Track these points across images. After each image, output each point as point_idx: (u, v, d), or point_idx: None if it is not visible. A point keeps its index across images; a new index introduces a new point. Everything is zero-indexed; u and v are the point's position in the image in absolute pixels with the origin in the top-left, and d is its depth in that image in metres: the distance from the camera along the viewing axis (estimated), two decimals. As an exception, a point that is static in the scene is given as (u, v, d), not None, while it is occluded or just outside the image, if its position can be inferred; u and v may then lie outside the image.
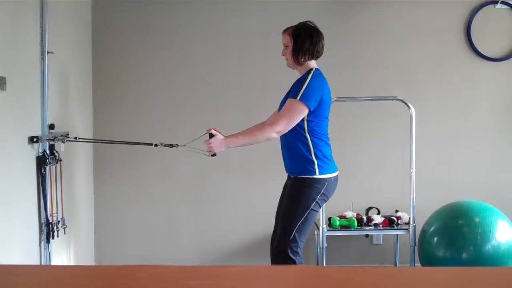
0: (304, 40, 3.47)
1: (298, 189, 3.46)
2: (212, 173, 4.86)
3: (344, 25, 4.83)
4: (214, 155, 3.50)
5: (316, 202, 3.45)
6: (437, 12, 4.83)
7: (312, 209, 3.45)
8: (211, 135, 3.44)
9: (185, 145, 3.60)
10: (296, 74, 3.58)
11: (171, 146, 3.66)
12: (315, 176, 3.43)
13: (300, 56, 3.48)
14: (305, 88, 3.39)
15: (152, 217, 4.88)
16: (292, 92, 3.44)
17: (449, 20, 4.85)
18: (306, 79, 3.43)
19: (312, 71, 3.47)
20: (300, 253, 3.47)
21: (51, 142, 3.70)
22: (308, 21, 3.54)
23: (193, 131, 4.60)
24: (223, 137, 3.45)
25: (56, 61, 3.87)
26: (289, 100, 3.42)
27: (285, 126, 3.39)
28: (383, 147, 4.86)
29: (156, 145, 3.68)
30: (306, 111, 3.39)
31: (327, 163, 3.47)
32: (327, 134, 3.53)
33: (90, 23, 4.77)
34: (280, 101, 3.59)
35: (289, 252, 3.43)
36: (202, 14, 4.82)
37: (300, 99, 3.37)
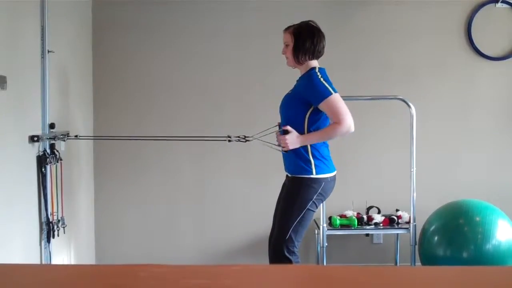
0: (305, 40, 3.46)
1: (295, 188, 3.46)
2: (212, 173, 4.86)
3: (344, 24, 4.83)
4: (287, 151, 3.46)
5: (313, 202, 3.44)
6: (437, 11, 4.83)
7: (308, 209, 3.44)
8: (286, 131, 3.43)
9: (258, 138, 3.57)
10: (297, 73, 3.57)
11: (245, 140, 3.66)
12: (312, 176, 3.43)
13: (300, 56, 3.47)
14: (326, 82, 3.40)
15: (152, 216, 4.88)
16: (316, 94, 3.39)
17: (450, 19, 4.85)
18: (316, 76, 3.42)
19: (317, 68, 3.48)
20: (296, 252, 3.47)
21: (52, 141, 3.70)
22: (310, 21, 3.54)
23: (194, 129, 4.64)
24: (298, 134, 3.43)
25: (57, 60, 3.87)
26: (326, 99, 3.36)
27: (349, 118, 3.38)
28: (383, 146, 4.86)
29: (229, 141, 3.70)
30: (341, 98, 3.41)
31: (324, 163, 3.46)
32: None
33: (91, 22, 4.77)
34: (281, 100, 3.59)
35: (285, 252, 3.42)
36: (202, 13, 4.82)
37: (335, 92, 3.38)
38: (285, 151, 3.46)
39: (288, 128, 3.42)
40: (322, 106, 3.38)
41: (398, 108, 4.50)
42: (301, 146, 3.42)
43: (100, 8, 4.78)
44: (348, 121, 3.38)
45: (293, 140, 3.41)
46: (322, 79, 3.42)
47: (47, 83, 3.67)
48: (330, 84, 3.42)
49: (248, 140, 3.66)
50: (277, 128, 3.52)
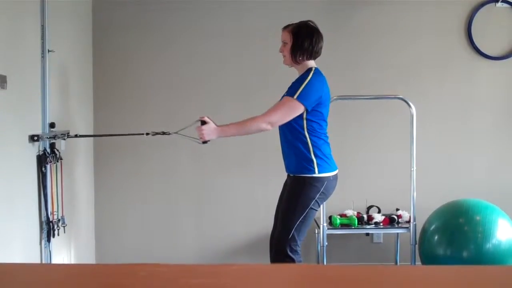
0: (304, 39, 3.46)
1: (297, 188, 3.46)
2: (213, 172, 4.86)
3: (345, 24, 4.83)
4: (205, 142, 3.47)
5: (315, 201, 3.45)
6: (437, 11, 4.83)
7: (311, 208, 3.44)
8: (204, 123, 3.43)
9: (176, 132, 3.58)
10: (295, 73, 3.57)
11: (163, 133, 3.66)
12: (314, 175, 3.43)
13: (298, 55, 3.47)
14: (304, 87, 3.39)
15: (152, 215, 4.88)
16: (291, 90, 3.44)
17: (450, 19, 4.85)
18: (306, 78, 3.42)
19: (312, 70, 3.47)
20: (299, 251, 3.47)
21: (52, 141, 3.70)
22: (309, 21, 3.53)
23: (194, 129, 4.63)
24: (215, 125, 3.44)
25: (57, 59, 3.87)
26: (286, 97, 3.42)
27: (278, 118, 3.39)
28: (384, 146, 4.86)
29: (147, 134, 3.70)
30: (302, 110, 3.39)
31: (326, 161, 3.46)
32: (326, 133, 3.53)
33: (91, 21, 4.77)
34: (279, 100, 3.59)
35: (288, 251, 3.43)
36: (202, 12, 4.82)
37: (297, 98, 3.37)
38: (203, 142, 3.46)
39: (205, 118, 3.44)
40: (283, 97, 3.44)
41: (399, 107, 4.50)
42: (301, 145, 3.42)
43: (100, 8, 4.78)
44: (271, 119, 3.39)
45: (210, 130, 3.42)
46: (308, 83, 3.40)
47: (47, 82, 3.67)
48: (310, 92, 3.39)
49: (166, 134, 3.65)
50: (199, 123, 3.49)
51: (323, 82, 3.47)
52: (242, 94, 4.84)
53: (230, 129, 3.46)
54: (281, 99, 3.52)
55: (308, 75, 3.44)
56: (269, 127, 3.41)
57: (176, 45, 4.83)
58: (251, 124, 3.42)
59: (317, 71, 3.48)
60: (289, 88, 3.50)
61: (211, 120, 3.45)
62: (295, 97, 3.37)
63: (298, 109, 3.38)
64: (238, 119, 4.68)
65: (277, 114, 3.39)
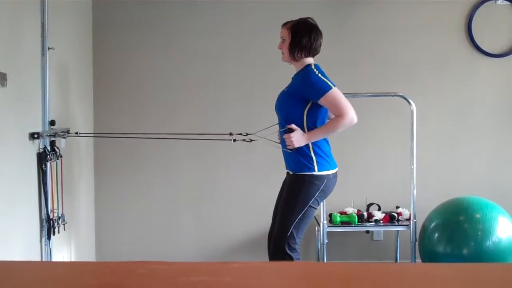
0: (303, 36, 3.45)
1: (296, 185, 3.46)
2: (212, 170, 4.86)
3: (345, 22, 4.83)
4: (292, 150, 3.44)
5: (315, 199, 3.44)
6: (438, 8, 4.83)
7: (310, 206, 3.44)
8: (291, 130, 3.41)
9: (255, 134, 3.58)
10: (295, 71, 3.57)
11: (250, 140, 3.63)
12: (314, 173, 3.42)
13: (296, 52, 3.47)
14: (325, 77, 3.42)
15: (152, 213, 4.88)
16: (314, 91, 3.39)
17: (450, 16, 4.84)
18: (313, 72, 3.43)
19: (312, 65, 3.48)
20: (297, 249, 3.47)
21: (52, 138, 3.70)
22: (308, 18, 3.53)
23: (195, 127, 4.63)
24: (302, 132, 3.42)
25: (57, 57, 3.87)
26: (330, 91, 3.36)
27: (350, 110, 3.37)
28: (384, 143, 4.86)
29: (235, 140, 3.66)
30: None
31: (326, 159, 3.46)
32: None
33: (91, 18, 4.76)
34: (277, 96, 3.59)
35: (287, 249, 3.42)
36: (203, 10, 4.81)
37: (334, 86, 3.38)
38: (290, 150, 3.44)
39: (293, 126, 3.41)
40: (322, 101, 3.38)
41: (399, 105, 4.50)
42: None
43: (101, 5, 4.77)
44: (351, 113, 3.37)
45: (299, 138, 3.39)
46: (319, 74, 3.42)
47: (47, 80, 3.67)
48: (328, 79, 3.42)
49: (252, 140, 3.65)
50: (277, 127, 3.50)
51: (325, 74, 3.48)
52: (243, 93, 4.84)
53: (318, 134, 3.43)
54: (282, 98, 3.51)
55: (311, 69, 3.44)
56: (354, 120, 3.40)
57: (177, 43, 4.83)
58: (337, 125, 3.39)
59: (317, 65, 3.49)
60: (293, 85, 3.49)
61: (297, 127, 3.42)
62: (332, 86, 3.37)
63: (340, 92, 3.40)
64: (239, 117, 4.73)
65: (346, 107, 3.36)
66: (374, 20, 4.84)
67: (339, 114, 3.37)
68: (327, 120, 3.51)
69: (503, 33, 4.86)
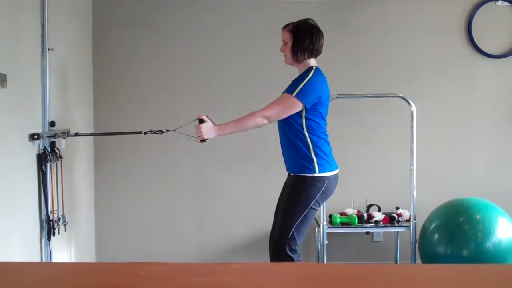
0: (304, 38, 3.45)
1: (297, 187, 3.46)
2: (213, 170, 4.86)
3: (345, 22, 4.83)
4: (203, 141, 3.44)
5: (316, 200, 3.44)
6: (438, 9, 4.83)
7: (311, 208, 3.44)
8: (202, 121, 3.41)
9: (175, 129, 3.57)
10: (296, 72, 3.57)
11: (161, 132, 3.63)
12: (314, 174, 3.42)
13: (299, 54, 3.47)
14: (304, 85, 3.38)
15: (152, 214, 4.88)
16: (290, 87, 3.43)
17: (450, 17, 4.84)
18: (307, 77, 3.42)
19: (313, 69, 3.46)
20: (298, 251, 3.46)
21: (52, 139, 3.70)
22: (309, 19, 3.53)
23: (193, 127, 4.62)
24: (213, 124, 3.43)
25: (57, 58, 3.87)
26: (284, 94, 3.41)
27: (275, 113, 3.37)
28: (384, 144, 4.86)
29: (145, 133, 3.66)
30: (300, 108, 3.38)
31: (327, 161, 3.46)
32: (326, 132, 3.52)
33: (91, 19, 4.76)
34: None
35: (287, 250, 3.42)
36: (202, 11, 4.81)
37: (296, 96, 3.36)
38: (201, 141, 3.44)
39: (203, 117, 3.42)
40: (282, 94, 3.43)
41: (399, 106, 4.50)
42: (301, 144, 3.42)
43: (101, 6, 4.77)
44: (268, 114, 3.39)
45: (208, 129, 3.40)
46: (308, 81, 3.40)
47: (47, 81, 3.67)
48: (309, 91, 3.39)
49: (163, 132, 3.63)
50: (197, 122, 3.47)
51: (323, 81, 3.47)
52: (242, 93, 4.84)
53: (228, 127, 3.45)
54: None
55: (308, 74, 3.43)
56: (265, 121, 3.41)
57: (177, 43, 4.83)
58: (248, 120, 3.41)
59: (317, 70, 3.48)
60: (289, 86, 3.50)
61: (210, 119, 3.44)
62: (294, 94, 3.36)
63: (296, 106, 3.37)
64: (238, 115, 4.70)
65: (273, 109, 3.39)
66: (374, 22, 4.84)
67: (262, 109, 3.40)
68: (323, 122, 3.51)
69: (503, 34, 4.86)
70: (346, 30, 4.82)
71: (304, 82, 3.39)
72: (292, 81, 3.53)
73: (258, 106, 4.68)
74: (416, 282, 1.21)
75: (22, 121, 3.42)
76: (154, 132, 3.65)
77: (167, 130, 3.64)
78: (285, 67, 3.64)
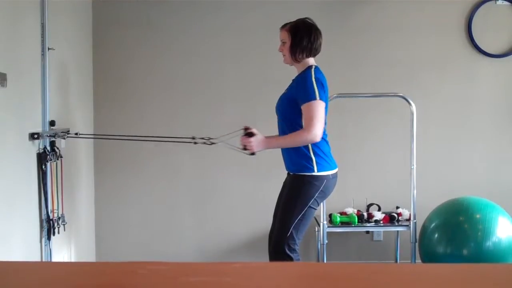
0: (302, 37, 3.45)
1: (296, 186, 3.46)
2: (213, 170, 4.86)
3: (345, 22, 4.83)
4: (253, 154, 3.44)
5: (315, 199, 3.44)
6: (438, 9, 4.83)
7: (310, 207, 3.44)
8: (251, 134, 3.39)
9: (219, 139, 3.52)
10: (296, 71, 3.57)
11: (210, 142, 3.58)
12: (313, 174, 3.42)
13: (298, 53, 3.46)
14: (317, 86, 3.37)
15: (152, 213, 4.88)
16: (303, 95, 3.37)
17: (450, 17, 4.84)
18: (310, 76, 3.41)
19: (313, 68, 3.46)
20: (297, 250, 3.47)
21: (52, 139, 3.70)
22: (306, 18, 3.53)
23: (195, 127, 4.63)
24: (263, 137, 3.41)
25: (57, 57, 3.87)
26: (310, 103, 3.33)
27: (319, 128, 3.33)
28: (384, 144, 4.86)
29: (195, 143, 3.58)
30: (324, 106, 3.39)
31: (325, 160, 3.46)
32: (326, 131, 3.51)
33: (91, 19, 4.76)
34: (278, 98, 3.59)
35: (286, 249, 3.42)
36: (202, 11, 4.81)
37: (320, 98, 3.35)
38: (250, 154, 3.43)
39: (253, 130, 3.40)
40: (303, 107, 3.36)
41: (399, 105, 4.50)
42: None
43: (101, 5, 4.77)
44: (316, 131, 3.32)
45: (258, 142, 3.39)
46: (315, 80, 3.38)
47: (47, 80, 3.67)
48: (321, 88, 3.38)
49: (213, 143, 3.60)
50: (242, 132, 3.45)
51: (324, 78, 3.47)
52: (243, 93, 4.84)
53: (277, 142, 3.45)
54: (282, 100, 3.50)
55: (310, 73, 3.43)
56: (317, 138, 3.34)
57: (177, 43, 4.83)
58: (298, 138, 3.36)
59: (317, 68, 3.48)
60: (292, 87, 3.49)
61: (258, 132, 3.41)
62: (318, 97, 3.34)
63: (323, 107, 3.38)
64: (239, 118, 4.71)
65: (316, 125, 3.32)
66: (374, 21, 4.84)
67: (306, 127, 3.34)
68: (326, 127, 3.50)
69: (503, 33, 4.86)
70: (346, 30, 4.82)
71: (314, 82, 3.37)
72: (293, 81, 3.53)
73: (258, 105, 4.72)
74: (416, 281, 1.21)
75: (22, 121, 3.42)
76: (204, 142, 3.58)
77: (209, 139, 3.56)
78: (285, 66, 3.64)
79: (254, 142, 3.38)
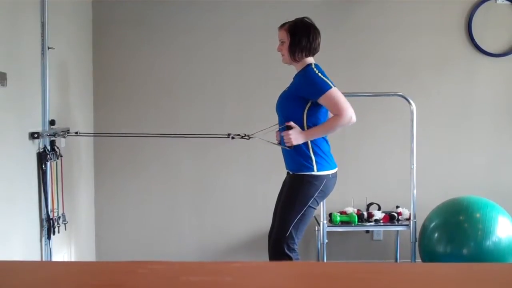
0: (301, 37, 3.45)
1: (296, 185, 3.46)
2: (213, 169, 4.86)
3: (345, 21, 4.83)
4: (291, 147, 3.44)
5: (314, 199, 3.44)
6: (438, 8, 4.83)
7: (309, 206, 3.44)
8: (289, 127, 3.41)
9: (260, 137, 3.55)
10: (296, 71, 3.57)
11: (247, 137, 3.60)
12: (313, 173, 3.42)
13: (296, 53, 3.47)
14: (325, 76, 3.41)
15: (152, 212, 4.88)
16: (314, 89, 3.39)
17: (450, 16, 4.84)
18: (314, 71, 3.42)
19: (312, 64, 3.47)
20: (296, 249, 3.47)
21: (52, 138, 3.70)
22: (305, 17, 3.53)
23: (195, 126, 4.63)
24: (300, 129, 3.41)
25: (57, 56, 3.87)
26: (329, 91, 3.35)
27: (349, 110, 3.35)
28: (384, 143, 4.86)
29: (233, 137, 3.61)
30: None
31: (325, 159, 3.46)
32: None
33: (91, 18, 4.76)
34: (278, 97, 3.59)
35: (285, 249, 3.42)
36: (202, 11, 4.81)
37: (334, 86, 3.37)
38: (289, 147, 3.44)
39: (292, 124, 3.41)
40: (322, 100, 3.37)
41: (399, 104, 4.50)
42: (302, 143, 3.42)
43: (101, 5, 4.77)
44: (349, 112, 3.36)
45: (297, 135, 3.39)
46: (319, 73, 3.42)
47: (47, 79, 3.67)
48: (328, 78, 3.42)
49: (250, 137, 3.64)
50: (277, 127, 3.49)
51: (325, 74, 3.48)
52: (243, 93, 4.84)
53: (317, 132, 3.43)
54: (283, 99, 3.51)
55: (312, 69, 3.44)
56: (353, 118, 3.38)
57: (177, 42, 4.83)
58: (336, 124, 3.37)
59: (316, 65, 3.49)
60: (293, 85, 3.49)
61: (296, 125, 3.42)
62: (332, 86, 3.37)
63: (340, 92, 3.40)
64: (239, 117, 4.73)
65: (345, 106, 3.35)
66: (373, 20, 4.84)
67: (338, 113, 3.36)
68: (323, 120, 3.50)
69: (503, 33, 4.85)
70: (346, 29, 4.82)
71: (320, 75, 3.41)
72: (294, 79, 3.53)
73: (258, 105, 4.72)
74: (416, 281, 1.21)
75: (22, 120, 3.42)
76: (241, 137, 3.60)
77: (246, 135, 3.59)
78: (285, 66, 3.64)
79: (293, 135, 3.38)
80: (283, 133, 3.43)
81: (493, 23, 4.83)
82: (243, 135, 3.62)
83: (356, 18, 4.83)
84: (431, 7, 4.83)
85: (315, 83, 3.39)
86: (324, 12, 4.68)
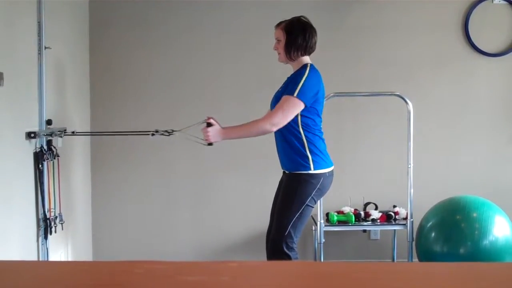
0: (297, 36, 3.45)
1: (293, 184, 3.46)
2: (210, 169, 4.86)
3: (342, 21, 4.83)
4: (210, 144, 3.45)
5: (311, 197, 3.44)
6: (435, 7, 4.83)
7: (307, 205, 3.44)
8: (209, 124, 3.41)
9: (180, 130, 3.55)
10: (292, 69, 3.57)
11: (168, 133, 3.59)
12: (310, 172, 3.42)
13: (292, 52, 3.47)
14: (303, 84, 3.37)
15: (149, 212, 4.88)
16: (289, 88, 3.42)
17: (447, 15, 4.85)
18: (303, 74, 3.41)
19: (308, 67, 3.46)
20: (295, 248, 3.47)
21: (49, 138, 3.69)
22: (301, 16, 3.53)
23: (199, 128, 4.62)
24: (220, 127, 3.43)
25: (54, 56, 3.86)
26: (285, 96, 3.40)
27: (280, 119, 3.36)
28: (381, 143, 4.87)
29: (153, 134, 3.61)
30: (302, 107, 3.37)
31: (322, 158, 3.46)
32: (321, 129, 3.52)
33: (88, 17, 4.76)
34: (273, 96, 3.59)
35: (284, 248, 3.42)
36: (201, 10, 4.81)
37: (297, 96, 3.35)
38: (208, 144, 3.44)
39: (211, 121, 3.42)
40: (283, 96, 3.40)
41: (396, 104, 4.50)
42: (296, 142, 3.42)
43: (97, 4, 4.77)
44: (275, 121, 3.36)
45: (215, 132, 3.40)
46: (305, 79, 3.38)
47: (44, 79, 3.66)
48: (308, 89, 3.38)
49: (172, 134, 3.60)
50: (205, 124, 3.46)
51: (319, 78, 3.47)
52: (242, 93, 4.84)
53: (235, 132, 3.46)
54: (277, 98, 3.50)
55: (304, 72, 3.43)
56: (273, 128, 3.39)
57: (174, 42, 4.83)
58: (255, 127, 3.40)
59: (312, 67, 3.48)
60: (286, 84, 3.49)
61: (217, 122, 3.43)
62: (295, 94, 3.35)
63: (298, 106, 3.37)
64: (238, 117, 4.67)
65: (278, 114, 3.36)
66: (370, 20, 4.84)
67: (267, 115, 3.42)
68: (318, 119, 3.50)
69: (500, 32, 4.86)
70: (343, 29, 4.82)
71: (302, 81, 3.38)
72: (288, 78, 3.53)
73: (258, 105, 4.70)
74: (413, 280, 1.21)
75: (18, 120, 3.41)
76: (162, 133, 3.61)
77: (172, 131, 3.60)
78: (283, 65, 3.64)
79: (211, 132, 3.40)
80: (202, 130, 3.43)
81: (490, 23, 4.84)
82: (170, 131, 3.58)
83: (352, 18, 4.84)
84: (427, 7, 4.83)
85: (295, 83, 3.39)
86: (321, 12, 4.68)
